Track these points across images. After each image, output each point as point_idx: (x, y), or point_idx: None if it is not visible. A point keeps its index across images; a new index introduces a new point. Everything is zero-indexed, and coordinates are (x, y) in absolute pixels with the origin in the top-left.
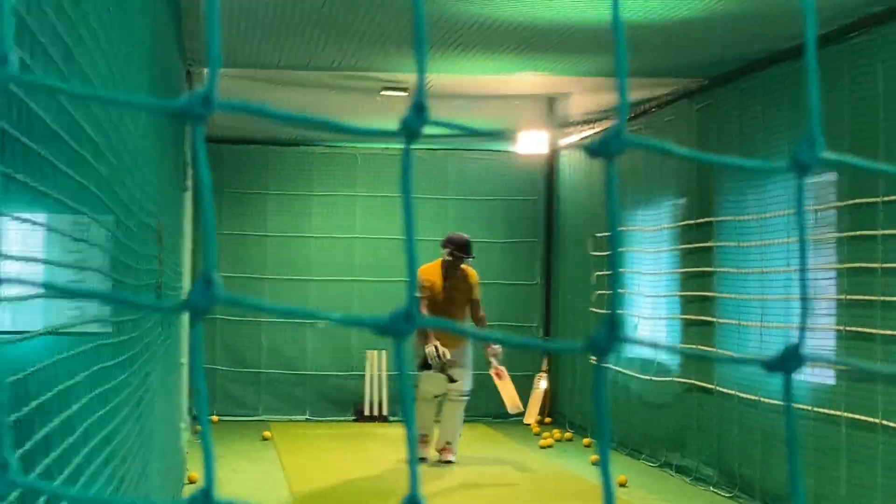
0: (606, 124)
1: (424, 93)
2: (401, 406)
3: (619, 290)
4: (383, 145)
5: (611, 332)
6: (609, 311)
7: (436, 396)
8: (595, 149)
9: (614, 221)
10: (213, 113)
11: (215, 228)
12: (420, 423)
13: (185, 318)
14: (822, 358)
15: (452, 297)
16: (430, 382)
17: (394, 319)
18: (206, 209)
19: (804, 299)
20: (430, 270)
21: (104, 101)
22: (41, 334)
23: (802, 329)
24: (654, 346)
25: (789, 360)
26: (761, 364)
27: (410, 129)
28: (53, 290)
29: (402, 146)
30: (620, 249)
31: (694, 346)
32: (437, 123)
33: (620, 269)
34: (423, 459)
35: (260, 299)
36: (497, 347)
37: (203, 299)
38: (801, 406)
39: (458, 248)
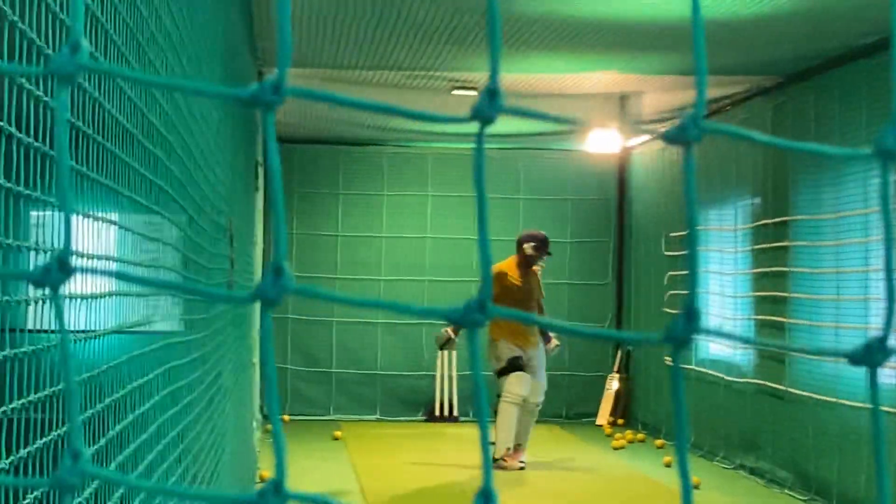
0: (678, 144)
1: (498, 79)
2: (473, 398)
3: (696, 279)
4: (455, 145)
5: (688, 323)
6: (686, 302)
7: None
8: (673, 136)
9: (692, 208)
10: (283, 100)
11: (285, 218)
12: (512, 430)
13: (256, 317)
14: None
15: (530, 295)
16: (519, 385)
17: (468, 309)
18: (275, 197)
19: (891, 293)
20: (510, 268)
21: (176, 89)
22: (111, 333)
23: (889, 321)
24: (732, 338)
25: (875, 352)
26: (845, 357)
27: (483, 115)
28: (128, 279)
29: (473, 145)
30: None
31: (769, 349)
32: (511, 111)
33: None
34: (522, 466)
35: (330, 290)
36: (553, 343)
37: (273, 289)
38: (886, 408)
39: (543, 245)
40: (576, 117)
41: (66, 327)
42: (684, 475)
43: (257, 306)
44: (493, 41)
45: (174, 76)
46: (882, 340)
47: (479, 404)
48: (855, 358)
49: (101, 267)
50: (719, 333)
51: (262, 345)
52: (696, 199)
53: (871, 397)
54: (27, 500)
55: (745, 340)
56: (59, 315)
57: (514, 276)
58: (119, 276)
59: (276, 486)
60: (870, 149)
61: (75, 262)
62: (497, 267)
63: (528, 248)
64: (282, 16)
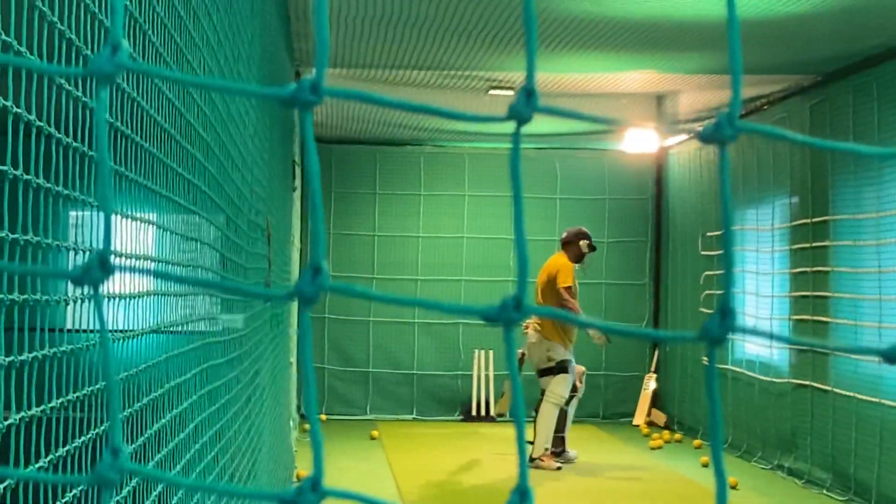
0: (713, 143)
1: (534, 78)
2: (512, 394)
3: (731, 277)
4: (491, 145)
5: (724, 321)
6: (722, 301)
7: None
8: (708, 135)
9: (728, 207)
10: (321, 100)
11: (324, 216)
12: (551, 430)
13: (294, 317)
14: None
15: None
16: (564, 387)
17: (504, 307)
18: (314, 197)
19: None
20: (569, 265)
21: (215, 89)
22: (149, 332)
23: None
24: (767, 336)
25: None
26: (881, 356)
27: (520, 115)
28: (166, 278)
29: (509, 145)
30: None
31: (807, 349)
32: (546, 110)
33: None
34: (559, 467)
35: (367, 288)
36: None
37: (311, 287)
38: None
39: (590, 241)
40: (611, 117)
41: (106, 325)
42: (719, 473)
43: (294, 306)
44: (529, 41)
45: (211, 76)
46: None
47: (515, 402)
48: (891, 356)
49: (139, 266)
50: (754, 332)
51: (301, 342)
52: (731, 198)
53: None
54: (66, 499)
55: (780, 339)
56: (100, 313)
57: (572, 274)
58: (157, 274)
59: (314, 482)
60: None
61: (115, 261)
62: (558, 264)
63: (584, 245)
64: (319, 15)
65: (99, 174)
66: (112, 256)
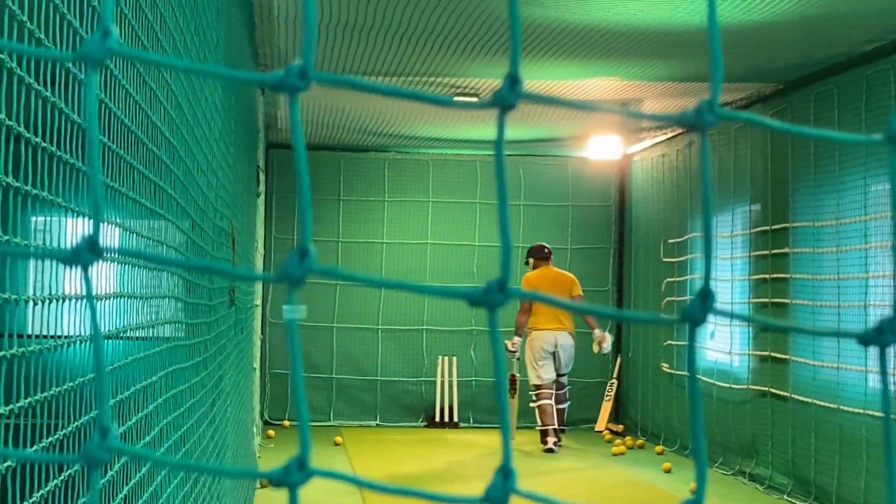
0: (679, 129)
1: (519, 65)
2: (495, 382)
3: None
4: (455, 151)
5: (704, 304)
6: (703, 283)
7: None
8: (689, 121)
9: (707, 194)
10: (309, 85)
11: (310, 203)
12: (550, 414)
13: (258, 323)
14: None
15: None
16: (548, 371)
17: (488, 290)
18: (301, 181)
19: None
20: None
21: (206, 74)
22: (114, 336)
23: None
24: (750, 320)
25: (886, 332)
26: (856, 337)
27: (504, 101)
28: (154, 260)
29: (474, 151)
30: (683, 256)
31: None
32: (531, 97)
33: (713, 238)
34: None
35: (352, 271)
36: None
37: (298, 269)
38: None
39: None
40: (590, 102)
41: (95, 305)
42: (700, 463)
43: (258, 312)
44: (514, 30)
45: (178, 81)
46: (892, 321)
47: (499, 385)
48: (866, 338)
49: (121, 255)
50: (732, 315)
51: (288, 326)
52: (711, 184)
53: (881, 376)
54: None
55: (760, 321)
56: (89, 294)
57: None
58: (145, 257)
59: (300, 461)
60: (882, 135)
61: (103, 245)
62: (569, 278)
63: (551, 263)
64: (307, 2)
65: (88, 156)
66: (102, 241)
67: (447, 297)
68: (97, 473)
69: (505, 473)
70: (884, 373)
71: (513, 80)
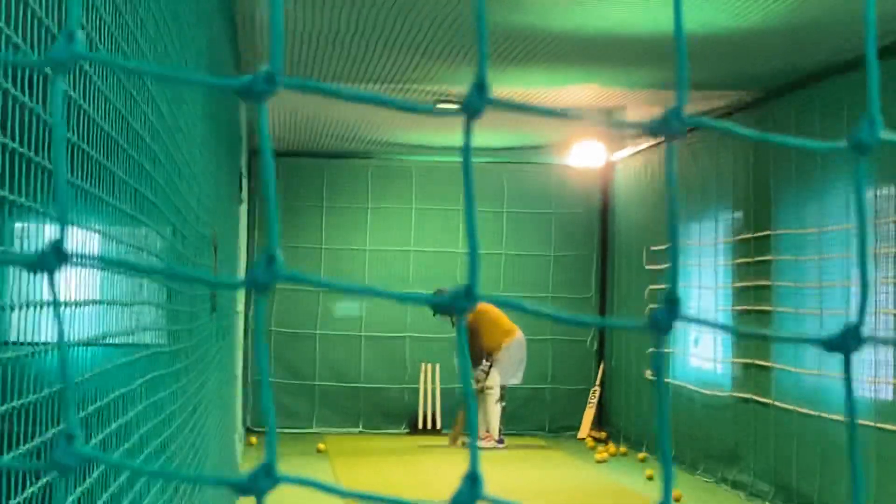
0: (661, 136)
1: (486, 72)
2: (462, 386)
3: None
4: (439, 158)
5: (671, 310)
6: (669, 290)
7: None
8: (655, 128)
9: (673, 202)
10: (276, 90)
11: (278, 207)
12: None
13: (240, 330)
14: (883, 339)
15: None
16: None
17: (455, 296)
18: (268, 185)
19: (864, 283)
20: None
21: (172, 80)
22: (93, 343)
23: (862, 310)
24: (716, 326)
25: (849, 339)
26: (821, 344)
27: (471, 107)
28: (126, 266)
29: (458, 158)
30: (665, 264)
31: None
32: (499, 103)
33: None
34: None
35: (319, 277)
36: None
37: (265, 275)
38: (863, 422)
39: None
40: (564, 109)
41: (61, 310)
42: (666, 462)
43: (241, 319)
44: (480, 36)
45: (159, 87)
46: (856, 328)
47: (466, 391)
48: (831, 344)
49: (93, 260)
50: (701, 321)
51: (255, 329)
52: (677, 192)
53: (846, 383)
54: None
55: (729, 328)
56: (55, 297)
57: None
58: (115, 263)
59: (267, 468)
60: (845, 143)
61: (70, 250)
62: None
63: None
64: (274, 8)
65: (54, 160)
66: (68, 245)
67: (416, 303)
68: (66, 479)
69: (472, 479)
70: (848, 379)
71: (480, 86)
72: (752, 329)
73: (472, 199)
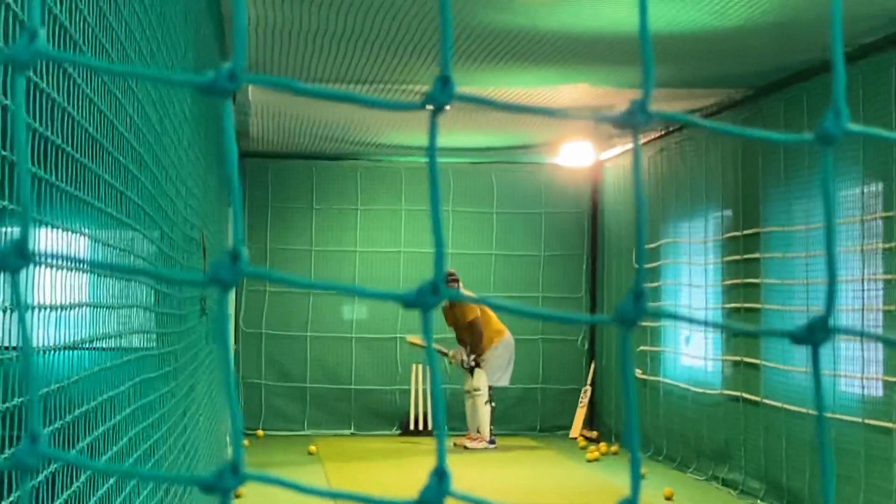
0: (650, 136)
1: (450, 66)
2: (430, 379)
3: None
4: (427, 159)
5: (637, 304)
6: (635, 283)
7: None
8: (621, 121)
9: (640, 195)
10: (239, 87)
11: (242, 204)
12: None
13: (231, 332)
14: (850, 330)
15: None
16: (483, 380)
17: (421, 292)
18: (232, 183)
19: (832, 276)
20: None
21: (135, 77)
22: (78, 347)
23: (830, 302)
24: (689, 320)
25: (817, 331)
26: (788, 336)
27: (435, 101)
28: (97, 266)
29: (446, 159)
30: (655, 262)
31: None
32: (463, 98)
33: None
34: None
35: (287, 274)
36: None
37: (229, 272)
38: (851, 418)
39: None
40: (541, 107)
41: (24, 304)
42: (635, 460)
43: (231, 321)
44: (444, 31)
45: (144, 89)
46: (823, 320)
47: (434, 385)
48: (798, 337)
49: (66, 259)
50: (676, 316)
51: (219, 328)
52: (642, 184)
53: (814, 374)
54: None
55: (701, 322)
56: (17, 297)
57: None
58: (84, 263)
59: (234, 466)
60: (812, 135)
61: (36, 251)
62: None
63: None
64: (236, 5)
65: (17, 158)
66: (32, 246)
67: (383, 300)
68: (27, 479)
69: (440, 475)
70: (816, 373)
71: (444, 80)
72: (724, 322)
73: (437, 190)
